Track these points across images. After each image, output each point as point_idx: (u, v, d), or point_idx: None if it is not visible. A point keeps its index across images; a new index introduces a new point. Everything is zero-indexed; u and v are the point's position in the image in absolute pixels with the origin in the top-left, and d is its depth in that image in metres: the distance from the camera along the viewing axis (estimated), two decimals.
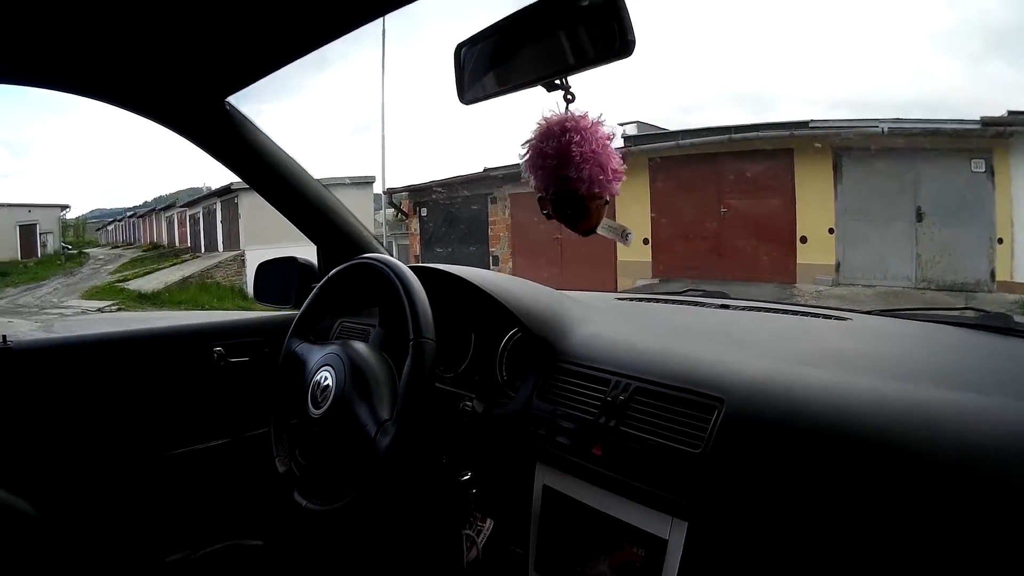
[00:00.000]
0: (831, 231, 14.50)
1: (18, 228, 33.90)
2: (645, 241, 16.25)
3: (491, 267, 18.63)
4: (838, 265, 14.50)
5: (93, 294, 24.94)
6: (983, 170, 13.20)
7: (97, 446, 2.32)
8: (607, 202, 1.49)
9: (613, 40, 1.31)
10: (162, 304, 21.65)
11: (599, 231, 1.53)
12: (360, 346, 1.79)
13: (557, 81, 1.44)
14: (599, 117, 1.45)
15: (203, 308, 19.91)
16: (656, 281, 15.85)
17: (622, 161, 1.47)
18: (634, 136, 17.26)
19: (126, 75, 2.06)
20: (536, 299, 2.03)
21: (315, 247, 2.66)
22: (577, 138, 1.41)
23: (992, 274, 13.10)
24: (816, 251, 14.52)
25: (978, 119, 13.23)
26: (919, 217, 13.70)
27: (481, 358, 2.07)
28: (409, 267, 1.89)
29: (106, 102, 2.12)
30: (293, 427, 1.88)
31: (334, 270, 2.02)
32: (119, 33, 1.77)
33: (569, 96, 1.45)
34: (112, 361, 2.36)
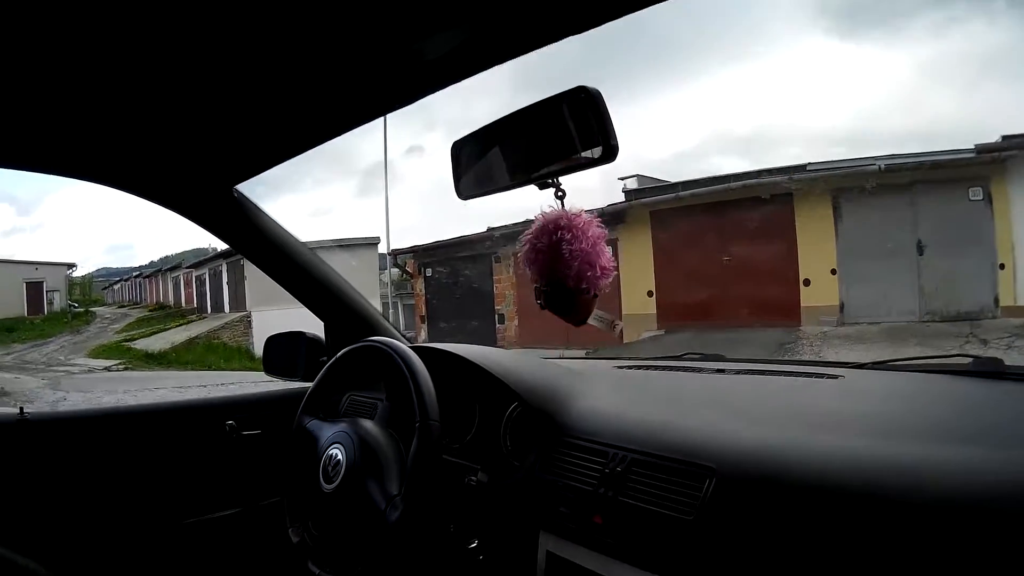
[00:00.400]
0: (833, 272, 14.50)
1: (25, 285, 33.90)
2: (649, 293, 16.29)
3: (497, 324, 18.91)
4: (842, 305, 14.48)
5: (100, 352, 24.95)
6: (981, 197, 13.30)
7: (112, 514, 2.36)
8: (596, 296, 1.56)
9: (597, 148, 1.41)
10: (169, 364, 21.67)
11: (590, 321, 1.60)
12: (369, 424, 1.89)
13: (549, 180, 1.54)
14: (593, 214, 1.54)
15: (210, 368, 19.91)
16: (662, 332, 15.80)
17: (612, 258, 1.55)
18: (635, 190, 17.38)
19: (137, 163, 2.18)
20: (535, 374, 2.11)
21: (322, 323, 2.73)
22: (568, 236, 1.50)
23: (996, 300, 13.11)
24: (820, 292, 14.52)
25: (972, 147, 13.35)
26: (920, 250, 13.71)
27: (486, 429, 2.10)
28: (412, 346, 2.06)
29: (117, 188, 2.23)
30: (306, 499, 1.95)
31: (343, 351, 2.13)
32: (132, 123, 1.87)
33: (560, 193, 1.54)
34: (128, 433, 2.43)
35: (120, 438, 2.41)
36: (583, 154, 1.45)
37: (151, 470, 2.44)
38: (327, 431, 1.96)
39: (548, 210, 1.56)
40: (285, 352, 2.77)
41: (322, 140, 2.05)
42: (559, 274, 1.51)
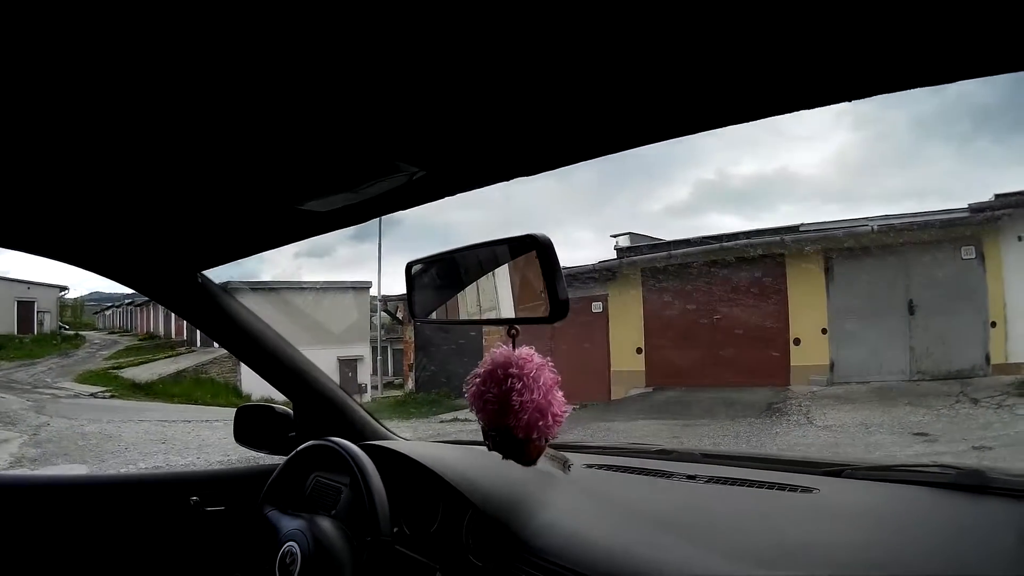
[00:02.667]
0: (824, 331, 14.60)
1: (16, 303, 33.71)
2: (638, 350, 16.34)
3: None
4: (832, 364, 14.53)
5: (88, 378, 24.82)
6: (973, 256, 13.45)
7: None
8: (548, 441, 1.51)
9: (541, 304, 1.41)
10: (155, 396, 21.55)
11: (539, 464, 1.57)
12: (326, 524, 1.94)
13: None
14: (545, 360, 1.51)
15: (196, 403, 19.87)
16: (650, 390, 15.85)
17: (565, 403, 1.51)
18: (627, 248, 17.49)
19: (101, 244, 2.19)
20: (494, 481, 2.05)
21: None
22: (519, 385, 1.45)
23: (987, 358, 13.17)
24: (810, 352, 14.56)
25: (966, 206, 13.58)
26: (911, 310, 13.85)
27: (449, 522, 2.05)
28: (370, 446, 2.18)
29: (81, 268, 2.26)
30: None
31: (303, 446, 2.24)
32: (97, 204, 1.86)
33: (514, 331, 1.52)
34: (88, 505, 2.42)
35: (81, 509, 2.41)
36: (528, 307, 1.46)
37: (110, 544, 2.43)
38: (285, 524, 2.00)
39: (496, 350, 1.52)
40: (255, 423, 2.76)
41: (297, 239, 2.11)
42: (508, 423, 1.47)
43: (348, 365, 24.09)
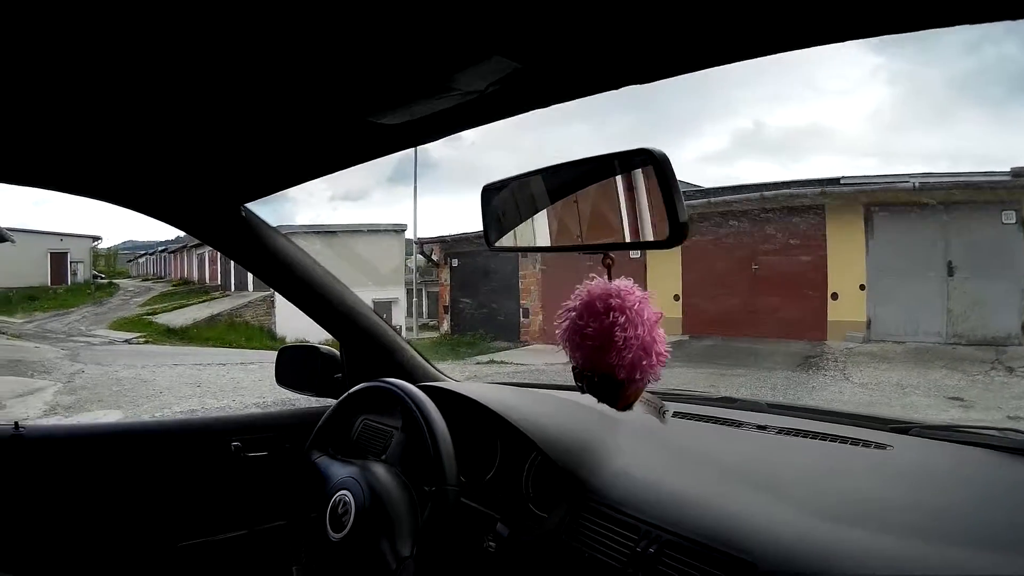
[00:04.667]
0: (862, 287, 14.41)
1: (49, 255, 33.94)
2: (676, 297, 16.22)
3: (521, 319, 19.03)
4: (869, 322, 14.37)
5: (121, 325, 25.08)
6: (1013, 221, 13.15)
7: (108, 536, 2.29)
8: (648, 383, 1.37)
9: (659, 225, 1.27)
10: (190, 340, 21.73)
11: (636, 407, 1.43)
12: (380, 471, 1.81)
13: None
14: (645, 292, 1.37)
15: (231, 346, 20.00)
16: (687, 338, 15.75)
17: (667, 343, 1.37)
18: None
19: (142, 181, 2.12)
20: (561, 425, 1.97)
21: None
22: (622, 319, 1.31)
23: (1023, 327, 13.00)
24: (847, 308, 14.40)
25: (1008, 170, 13.25)
26: (950, 272, 13.63)
27: (507, 469, 1.97)
28: (429, 387, 2.05)
29: (120, 206, 2.17)
30: (311, 540, 1.87)
31: (357, 388, 2.08)
32: (137, 138, 1.79)
33: (609, 260, 1.39)
34: (128, 452, 2.36)
35: (120, 457, 2.34)
36: (641, 232, 1.32)
37: (150, 490, 2.37)
38: (337, 471, 1.88)
39: (591, 282, 1.38)
40: (298, 364, 2.70)
41: (341, 167, 1.99)
42: (610, 364, 1.32)
43: (383, 307, 23.75)
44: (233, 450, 2.46)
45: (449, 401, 1.92)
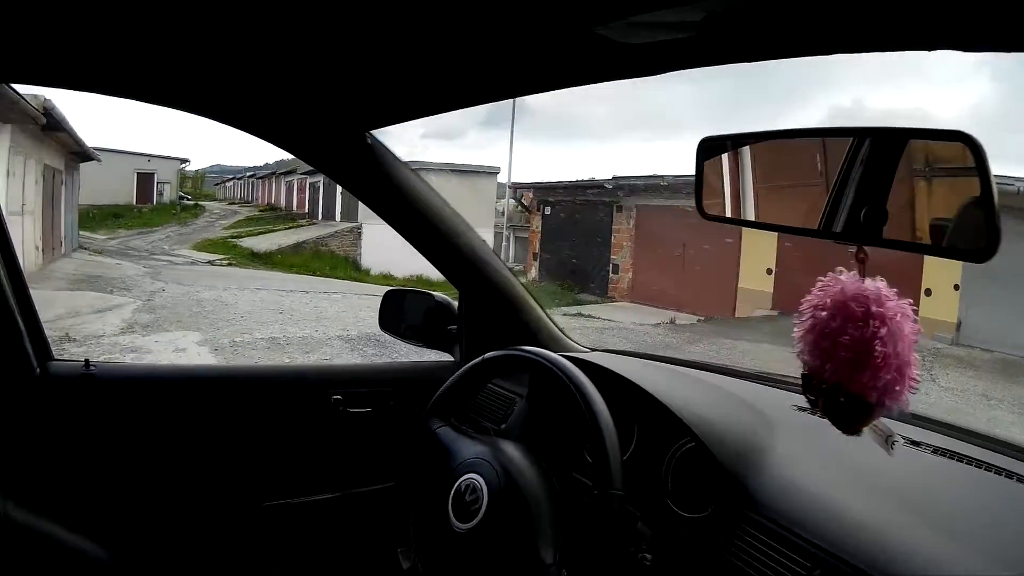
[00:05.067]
0: (956, 287, 13.91)
1: (136, 175, 34.63)
2: (769, 271, 15.92)
3: (611, 274, 19.02)
4: (959, 324, 13.89)
5: (205, 246, 25.55)
6: None
7: (185, 490, 2.14)
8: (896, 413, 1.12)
9: (972, 235, 1.04)
10: (273, 265, 21.94)
11: (863, 432, 1.17)
12: (515, 453, 1.57)
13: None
14: (900, 299, 1.11)
15: (314, 274, 20.26)
16: (775, 313, 15.32)
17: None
18: None
19: (261, 102, 1.96)
20: (727, 418, 1.76)
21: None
22: (883, 332, 1.07)
23: None
24: (939, 306, 13.86)
25: None
26: None
27: (644, 456, 1.75)
28: (571, 358, 1.73)
29: (237, 128, 2.00)
30: (427, 523, 1.69)
31: (495, 355, 1.79)
32: (259, 59, 1.66)
33: (863, 255, 1.14)
34: (211, 399, 2.20)
35: (201, 404, 2.17)
36: (947, 236, 1.08)
37: (234, 443, 2.20)
38: (464, 449, 1.64)
39: (844, 278, 1.14)
40: (408, 310, 2.54)
41: (478, 103, 1.78)
42: (862, 383, 1.08)
43: None
44: (333, 403, 2.28)
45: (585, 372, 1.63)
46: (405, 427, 2.02)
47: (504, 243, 24.36)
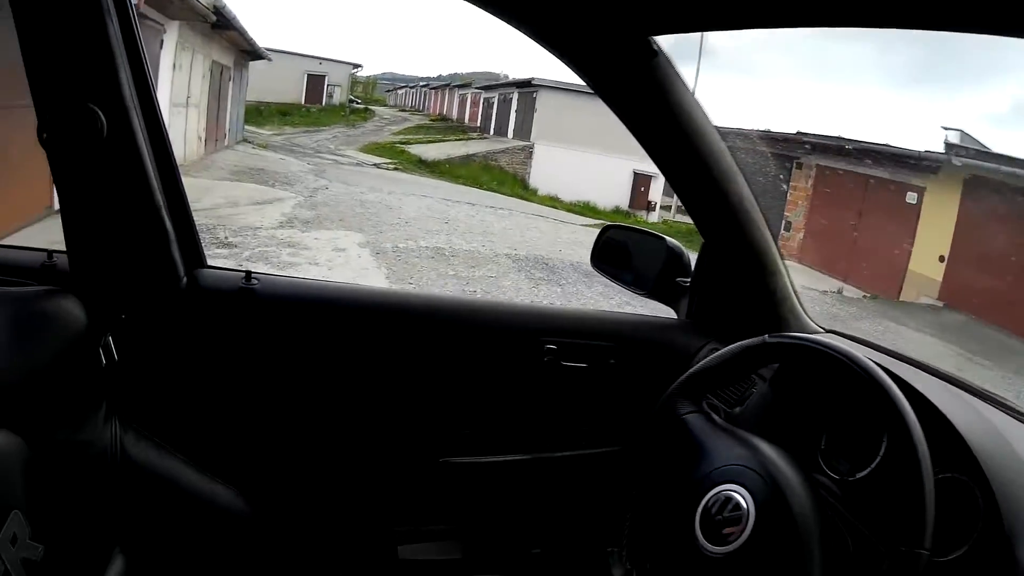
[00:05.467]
0: None
1: (306, 76, 35.80)
2: (941, 258, 15.24)
3: (782, 231, 18.73)
4: None
5: (372, 149, 25.92)
6: None
7: (348, 435, 1.91)
8: None
9: None
10: (440, 174, 22.17)
11: None
12: (779, 460, 1.26)
13: None
14: None
15: (481, 187, 20.55)
16: (941, 305, 14.74)
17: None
18: (956, 145, 16.18)
19: None
20: (1000, 449, 1.38)
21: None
22: None
23: None
24: None
25: None
26: None
27: (886, 473, 1.36)
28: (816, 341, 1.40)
29: (515, 23, 1.70)
30: (655, 528, 1.41)
31: (778, 339, 1.43)
32: None
33: None
34: (392, 331, 1.91)
35: (380, 336, 1.89)
36: None
37: (413, 384, 1.93)
38: (719, 447, 1.34)
39: None
40: (628, 251, 2.24)
41: (772, 24, 1.54)
42: None
43: (642, 181, 24.50)
44: (545, 353, 1.97)
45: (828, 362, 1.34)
46: (626, 392, 1.93)
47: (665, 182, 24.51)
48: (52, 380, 1.39)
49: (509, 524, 2.09)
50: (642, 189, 24.51)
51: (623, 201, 24.30)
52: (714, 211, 1.90)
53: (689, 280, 2.08)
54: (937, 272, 14.93)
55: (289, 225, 11.23)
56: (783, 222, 18.41)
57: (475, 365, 1.97)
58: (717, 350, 1.68)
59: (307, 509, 1.90)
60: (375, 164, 22.19)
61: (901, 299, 14.92)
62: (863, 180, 15.21)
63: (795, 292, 2.00)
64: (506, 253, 11.52)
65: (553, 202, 21.81)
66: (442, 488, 1.99)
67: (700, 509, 1.24)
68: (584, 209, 22.12)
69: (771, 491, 1.20)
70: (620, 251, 2.28)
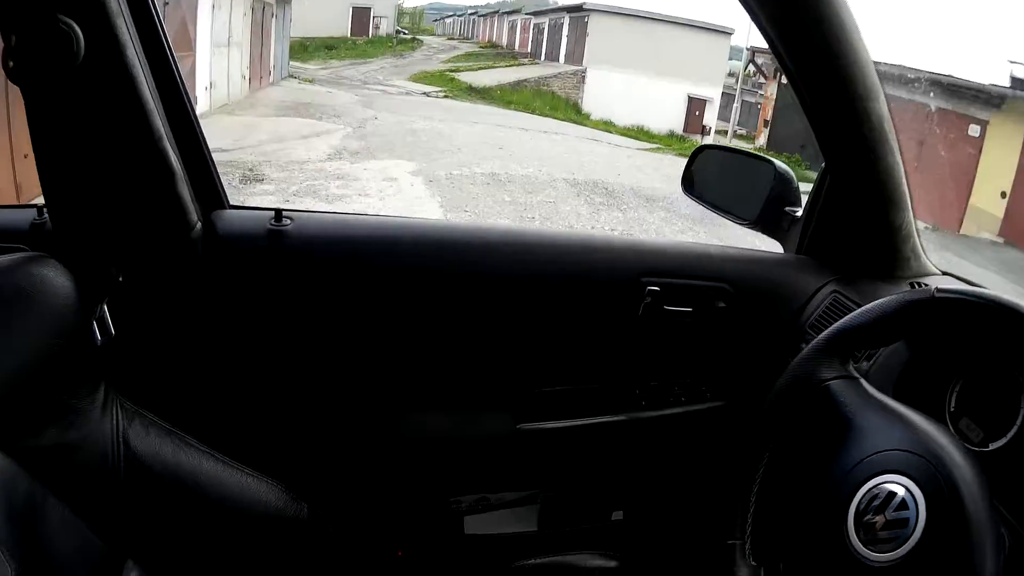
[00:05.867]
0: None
1: (351, 9, 35.66)
2: (1003, 195, 14.87)
3: None
4: None
5: (421, 78, 25.78)
6: None
7: (401, 401, 1.65)
8: None
9: None
10: (491, 100, 22.07)
11: None
12: (947, 442, 0.98)
13: None
14: None
15: (533, 112, 20.55)
16: (1001, 241, 14.41)
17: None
18: (1021, 80, 15.75)
19: None
20: None
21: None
22: None
23: None
24: None
25: None
26: None
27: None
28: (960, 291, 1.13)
29: None
30: (791, 521, 1.14)
31: (953, 293, 1.11)
32: None
33: None
34: (456, 268, 1.61)
35: (435, 276, 1.59)
36: None
37: (478, 338, 1.66)
38: (875, 426, 1.06)
39: None
40: (728, 174, 2.02)
41: None
42: None
43: (696, 105, 24.33)
44: (646, 292, 1.69)
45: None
46: (736, 340, 1.70)
47: (736, 104, 24.32)
48: (34, 372, 1.10)
49: (590, 490, 1.84)
50: (696, 113, 24.25)
51: (677, 126, 23.98)
52: (848, 131, 1.62)
53: (800, 210, 1.82)
54: (999, 208, 14.60)
55: (337, 157, 11.13)
56: None
57: (559, 311, 1.67)
58: (839, 292, 1.63)
59: (360, 497, 1.67)
60: (424, 93, 22.05)
61: (962, 233, 14.66)
62: (923, 109, 14.84)
63: (918, 231, 1.76)
64: (563, 178, 11.30)
65: (607, 126, 21.70)
66: (516, 455, 1.74)
67: (854, 505, 0.99)
68: (638, 133, 21.89)
69: (944, 485, 0.94)
70: (717, 175, 2.04)
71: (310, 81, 21.91)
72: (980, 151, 14.38)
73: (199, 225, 1.44)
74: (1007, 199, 14.52)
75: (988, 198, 14.71)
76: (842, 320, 1.20)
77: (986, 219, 14.64)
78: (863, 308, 1.18)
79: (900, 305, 1.15)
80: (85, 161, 1.30)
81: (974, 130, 15.14)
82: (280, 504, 1.36)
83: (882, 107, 1.59)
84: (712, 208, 1.96)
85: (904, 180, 1.68)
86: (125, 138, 1.32)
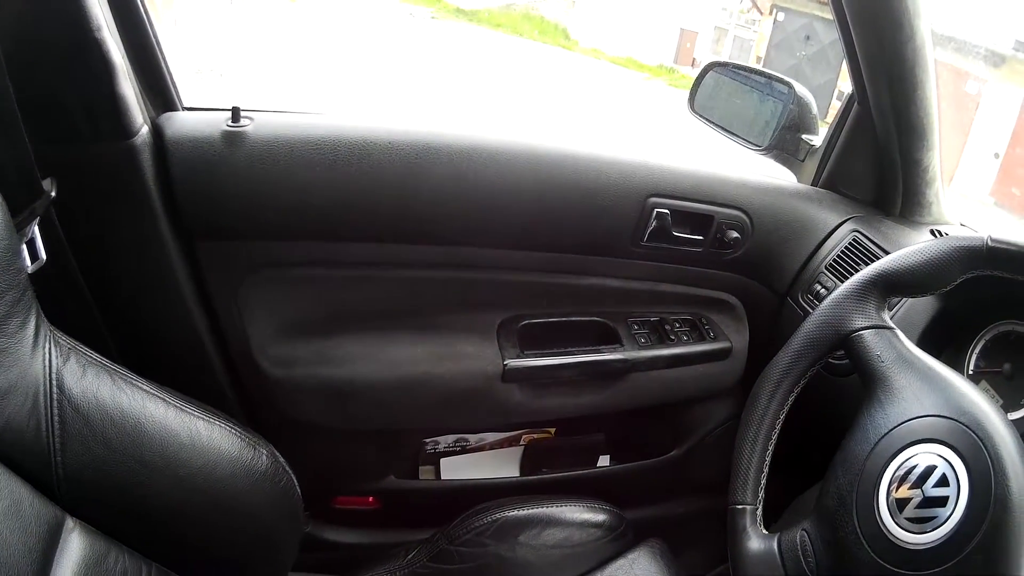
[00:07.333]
0: None
1: None
2: (996, 155, 14.78)
3: (831, 100, 18.13)
4: None
5: None
6: None
7: (377, 333, 1.49)
8: None
9: None
10: (479, 23, 21.98)
11: None
12: (986, 406, 0.90)
13: None
14: None
15: (521, 36, 20.77)
16: (992, 202, 14.40)
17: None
18: None
19: None
20: None
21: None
22: None
23: None
24: None
25: None
26: None
27: None
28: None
29: None
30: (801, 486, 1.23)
31: (1006, 244, 1.00)
32: None
33: None
34: (445, 182, 1.42)
35: (423, 188, 1.41)
36: None
37: (469, 264, 1.55)
38: (912, 385, 0.96)
39: None
40: (739, 96, 1.85)
41: None
42: None
43: (688, 36, 24.16)
44: (652, 218, 1.55)
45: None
46: (749, 276, 1.65)
47: (729, 38, 24.18)
48: None
49: (578, 434, 1.78)
50: (687, 45, 24.11)
51: (667, 58, 23.87)
52: (883, 59, 1.50)
53: (817, 140, 1.72)
54: (992, 168, 14.73)
55: None
56: (835, 91, 18.15)
57: (553, 232, 1.53)
58: (859, 232, 1.55)
59: (326, 439, 1.53)
60: (410, 13, 21.58)
61: (952, 189, 14.75)
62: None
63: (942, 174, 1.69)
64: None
65: (596, 54, 21.91)
66: (500, 393, 1.56)
67: (887, 475, 0.91)
68: (629, 64, 22.02)
69: (990, 460, 0.85)
70: (728, 95, 1.88)
71: None
72: (976, 110, 14.32)
73: (145, 129, 1.24)
74: (999, 160, 14.62)
75: (981, 157, 14.76)
76: (881, 262, 1.10)
77: (975, 178, 14.75)
78: (905, 251, 1.08)
79: (953, 251, 1.05)
80: (9, 56, 0.98)
81: (972, 87, 15.14)
82: (235, 451, 1.10)
83: (924, 38, 1.47)
84: (720, 130, 1.84)
85: (936, 120, 1.56)
86: (56, 27, 1.10)
